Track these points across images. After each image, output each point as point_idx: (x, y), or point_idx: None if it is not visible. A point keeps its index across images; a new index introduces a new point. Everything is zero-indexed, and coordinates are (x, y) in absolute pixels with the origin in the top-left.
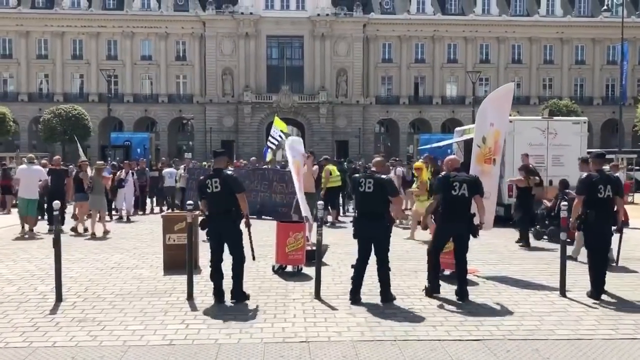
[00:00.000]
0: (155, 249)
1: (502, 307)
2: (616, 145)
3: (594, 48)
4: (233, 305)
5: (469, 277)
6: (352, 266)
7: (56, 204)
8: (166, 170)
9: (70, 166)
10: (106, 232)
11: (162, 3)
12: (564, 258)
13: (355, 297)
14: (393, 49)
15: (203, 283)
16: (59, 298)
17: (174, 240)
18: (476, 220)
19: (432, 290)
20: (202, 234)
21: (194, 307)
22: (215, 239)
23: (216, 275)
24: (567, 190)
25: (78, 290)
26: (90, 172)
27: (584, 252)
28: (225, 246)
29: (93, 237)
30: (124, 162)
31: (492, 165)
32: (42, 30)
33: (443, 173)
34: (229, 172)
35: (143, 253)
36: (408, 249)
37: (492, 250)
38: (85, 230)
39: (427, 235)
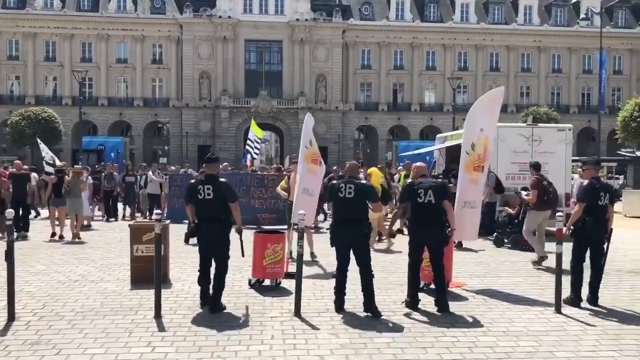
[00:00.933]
0: (124, 260)
1: (495, 325)
2: (592, 154)
3: (570, 57)
4: (207, 322)
5: (457, 291)
6: (333, 276)
7: (9, 212)
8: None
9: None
10: (77, 235)
11: (139, 5)
12: (559, 272)
13: (340, 307)
14: (372, 55)
15: (173, 299)
16: (11, 317)
17: (142, 252)
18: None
19: (411, 305)
20: (174, 245)
21: (161, 327)
22: (203, 244)
23: (204, 280)
24: (520, 191)
25: (35, 308)
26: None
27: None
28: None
29: (77, 237)
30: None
31: (480, 173)
32: (13, 30)
33: (409, 180)
34: (223, 180)
35: (110, 264)
36: (391, 260)
37: (478, 261)
38: (61, 237)
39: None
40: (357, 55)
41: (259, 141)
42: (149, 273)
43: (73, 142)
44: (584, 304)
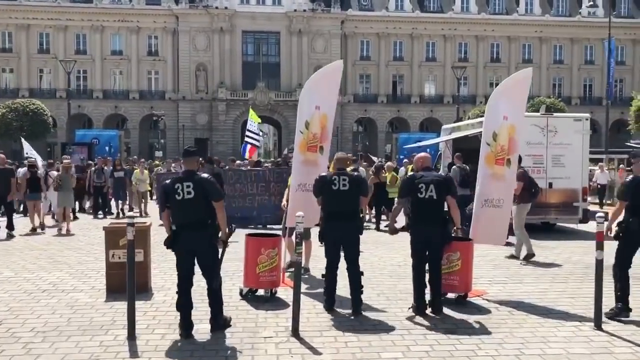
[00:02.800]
0: (104, 265)
1: (528, 346)
2: (596, 146)
3: (572, 47)
4: (189, 345)
5: (478, 301)
6: (323, 276)
7: None
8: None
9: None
10: (68, 230)
11: None
12: (599, 282)
13: (330, 306)
14: (371, 46)
15: (152, 313)
16: None
17: (119, 258)
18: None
19: (418, 310)
20: (160, 247)
21: (134, 352)
22: (185, 258)
23: (185, 305)
24: None
25: None
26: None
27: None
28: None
29: (68, 233)
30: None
31: (504, 166)
32: (6, 22)
33: (409, 174)
34: (205, 175)
35: (88, 270)
36: (400, 262)
37: (495, 265)
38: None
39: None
40: (356, 46)
41: (259, 132)
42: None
43: (68, 136)
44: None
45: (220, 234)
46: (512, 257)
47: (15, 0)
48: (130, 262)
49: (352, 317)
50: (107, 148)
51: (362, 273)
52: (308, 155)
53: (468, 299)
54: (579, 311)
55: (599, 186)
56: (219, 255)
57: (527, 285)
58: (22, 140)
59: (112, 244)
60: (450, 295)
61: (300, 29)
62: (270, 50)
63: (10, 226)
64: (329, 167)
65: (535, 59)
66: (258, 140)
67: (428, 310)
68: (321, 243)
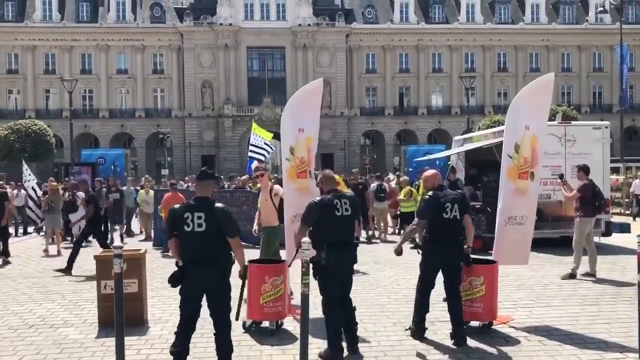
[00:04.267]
0: None
1: None
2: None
3: (580, 55)
4: None
5: (504, 329)
6: (324, 312)
7: None
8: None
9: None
10: (59, 251)
11: (138, 15)
12: None
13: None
14: (377, 59)
15: (145, 351)
16: None
17: (112, 289)
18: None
19: (416, 334)
20: (156, 277)
21: None
22: (191, 299)
23: (181, 351)
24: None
25: None
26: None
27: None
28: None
29: (59, 253)
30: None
31: (529, 180)
32: (12, 44)
33: (430, 193)
34: (221, 205)
35: (82, 300)
36: (396, 280)
37: (518, 284)
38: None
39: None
40: (361, 59)
41: (268, 144)
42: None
43: (75, 156)
44: None
45: (239, 270)
46: (587, 274)
47: (21, 22)
48: (119, 298)
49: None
50: (112, 167)
51: (355, 308)
52: (299, 183)
53: (493, 327)
54: (618, 339)
55: (638, 197)
56: (241, 287)
57: (556, 309)
58: (23, 162)
59: (104, 274)
60: (474, 323)
61: (305, 44)
62: (276, 66)
63: (5, 252)
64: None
65: (542, 68)
66: (264, 155)
67: (450, 342)
68: (315, 278)
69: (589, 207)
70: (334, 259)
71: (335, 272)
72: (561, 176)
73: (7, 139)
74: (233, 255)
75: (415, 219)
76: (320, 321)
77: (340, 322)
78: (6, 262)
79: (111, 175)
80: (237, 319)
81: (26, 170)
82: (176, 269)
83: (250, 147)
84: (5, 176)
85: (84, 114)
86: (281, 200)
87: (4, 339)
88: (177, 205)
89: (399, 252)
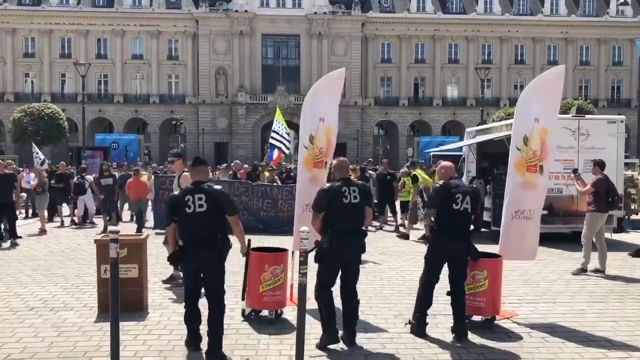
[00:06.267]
0: None
1: None
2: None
3: (599, 48)
4: None
5: (507, 324)
6: (317, 298)
7: None
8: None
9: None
10: (44, 230)
11: (154, 0)
12: None
13: (336, 339)
14: (392, 48)
15: (142, 337)
16: None
17: None
18: None
19: (417, 330)
20: (159, 263)
21: None
22: (192, 276)
23: (193, 317)
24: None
25: None
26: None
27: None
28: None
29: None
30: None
31: (537, 174)
32: (29, 27)
33: (440, 182)
34: (218, 187)
35: (84, 283)
36: (396, 271)
37: (524, 279)
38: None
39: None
40: (376, 48)
41: (286, 135)
42: (121, 299)
43: (89, 141)
44: None
45: (240, 248)
46: (596, 270)
47: (38, 6)
48: (114, 282)
49: (346, 348)
50: (125, 152)
51: (359, 302)
52: (315, 172)
53: (496, 322)
54: (623, 338)
55: None
56: (245, 266)
57: (562, 306)
58: (33, 145)
59: (104, 259)
60: (476, 317)
61: (321, 32)
62: (290, 54)
63: (13, 234)
64: (330, 177)
65: (560, 61)
66: (285, 146)
67: (451, 337)
68: (316, 262)
69: (602, 202)
70: (337, 246)
71: (337, 260)
72: (575, 170)
73: (20, 122)
74: (230, 239)
75: (427, 208)
76: (309, 315)
77: (332, 305)
78: (14, 244)
79: (123, 160)
80: (243, 298)
81: (36, 153)
82: (174, 252)
83: (272, 134)
84: (18, 159)
85: (99, 99)
86: None
87: (4, 320)
88: (175, 192)
89: (429, 239)
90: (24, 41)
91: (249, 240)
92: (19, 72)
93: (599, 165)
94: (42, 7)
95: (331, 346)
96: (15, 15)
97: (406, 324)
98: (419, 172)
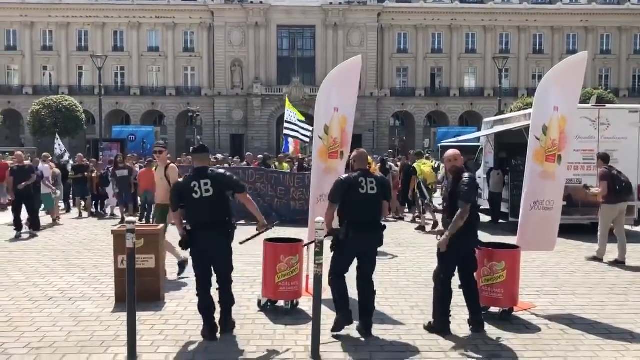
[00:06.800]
0: None
1: None
2: None
3: (620, 37)
4: None
5: (525, 316)
6: (330, 283)
7: None
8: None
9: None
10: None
11: None
12: None
13: (349, 321)
14: (409, 38)
15: (159, 327)
16: None
17: None
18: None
19: (437, 329)
20: (172, 257)
21: None
22: (202, 259)
23: (208, 306)
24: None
25: None
26: None
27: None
28: None
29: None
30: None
31: (555, 163)
32: (46, 21)
33: (468, 175)
34: (221, 170)
35: (102, 274)
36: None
37: (542, 271)
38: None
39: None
40: (392, 39)
41: (303, 121)
42: (138, 289)
43: (106, 133)
44: None
45: (257, 225)
46: (616, 262)
47: None
48: (131, 273)
49: (363, 339)
50: (142, 144)
51: (375, 292)
52: (330, 163)
53: (514, 313)
54: None
55: None
56: (251, 237)
57: (581, 298)
58: (57, 136)
59: (120, 249)
60: (494, 309)
61: (336, 22)
62: (306, 45)
63: (34, 225)
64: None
65: (580, 50)
66: (305, 135)
67: (467, 329)
68: (331, 251)
69: (611, 193)
70: (352, 237)
71: (352, 250)
72: (585, 186)
73: (38, 115)
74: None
75: (464, 204)
76: (325, 310)
77: (344, 289)
78: (33, 235)
79: (140, 152)
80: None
81: (58, 144)
82: (183, 237)
83: (285, 125)
84: (36, 151)
85: (116, 91)
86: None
87: (23, 310)
88: (180, 179)
89: (445, 245)
90: (42, 34)
91: (277, 222)
92: (37, 65)
93: (602, 158)
94: (59, 0)
95: (347, 334)
96: (33, 9)
97: (425, 327)
98: (419, 164)
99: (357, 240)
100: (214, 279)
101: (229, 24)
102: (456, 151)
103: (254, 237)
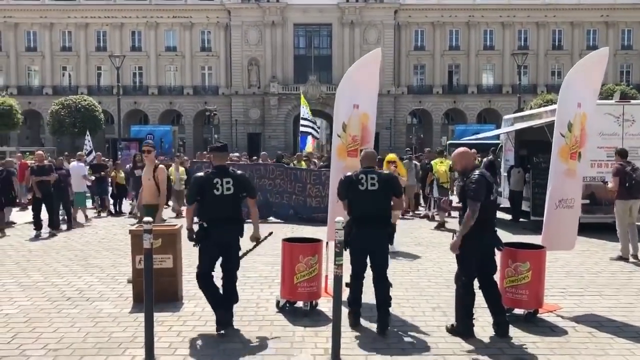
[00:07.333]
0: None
1: None
2: None
3: None
4: None
5: (551, 318)
6: (347, 285)
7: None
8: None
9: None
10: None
11: None
12: None
13: (356, 321)
14: (426, 35)
15: (177, 328)
16: None
17: None
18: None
19: (460, 332)
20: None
21: None
22: (213, 252)
23: (212, 288)
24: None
25: (1, 341)
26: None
27: None
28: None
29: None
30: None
31: (576, 161)
32: (65, 22)
33: (478, 172)
34: (242, 172)
35: (120, 274)
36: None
37: (567, 271)
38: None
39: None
40: (409, 36)
41: (314, 122)
42: (156, 290)
43: (124, 132)
44: None
45: (253, 233)
46: (635, 257)
47: (74, 0)
48: (149, 273)
49: (384, 342)
50: (160, 143)
51: (391, 285)
52: (349, 162)
53: (539, 315)
54: None
55: None
56: (246, 251)
57: (608, 299)
58: (87, 134)
59: (138, 249)
60: (518, 311)
61: (353, 20)
62: (322, 43)
63: (53, 224)
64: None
65: (601, 45)
66: (316, 131)
67: (491, 332)
68: (345, 249)
69: (622, 189)
70: (355, 233)
71: (358, 246)
72: (604, 182)
73: (58, 114)
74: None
75: (472, 202)
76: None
77: (356, 292)
78: (52, 234)
79: (158, 151)
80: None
81: (88, 141)
82: (198, 231)
83: (302, 122)
84: (56, 150)
85: (134, 91)
86: (169, 178)
87: (41, 310)
88: (201, 173)
89: (456, 248)
90: (61, 35)
91: (271, 233)
92: (56, 65)
93: (620, 154)
94: (78, 1)
95: (367, 336)
96: (52, 10)
97: (448, 329)
98: (435, 162)
99: (362, 236)
100: (213, 279)
101: (245, 23)
102: (464, 149)
103: (250, 250)
